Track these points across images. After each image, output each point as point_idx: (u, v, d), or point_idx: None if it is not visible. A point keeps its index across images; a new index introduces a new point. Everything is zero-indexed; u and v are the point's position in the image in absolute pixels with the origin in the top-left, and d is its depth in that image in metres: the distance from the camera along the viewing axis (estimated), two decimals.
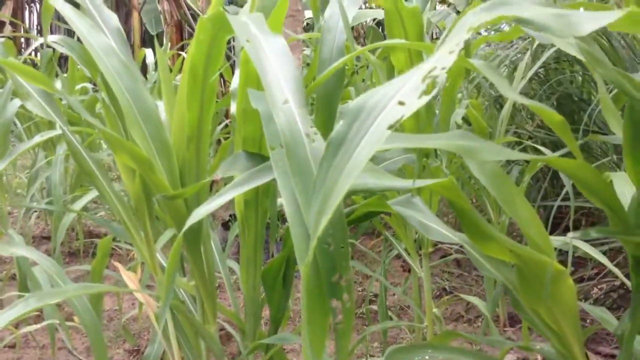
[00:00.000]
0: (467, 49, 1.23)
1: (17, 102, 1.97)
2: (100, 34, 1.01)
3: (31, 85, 1.09)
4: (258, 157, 0.88)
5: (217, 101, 1.40)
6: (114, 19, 1.10)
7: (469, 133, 0.67)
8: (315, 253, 0.48)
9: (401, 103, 0.46)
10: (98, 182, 1.06)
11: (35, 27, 11.13)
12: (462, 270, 2.58)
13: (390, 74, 1.57)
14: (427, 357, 0.99)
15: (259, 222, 1.00)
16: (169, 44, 5.67)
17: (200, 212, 0.64)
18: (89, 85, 3.29)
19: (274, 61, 0.58)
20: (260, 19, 0.66)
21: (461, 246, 2.42)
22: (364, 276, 2.59)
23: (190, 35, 6.31)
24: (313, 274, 0.48)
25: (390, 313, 2.09)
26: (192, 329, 1.08)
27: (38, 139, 1.56)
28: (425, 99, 0.44)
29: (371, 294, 2.25)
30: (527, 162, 1.83)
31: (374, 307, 2.09)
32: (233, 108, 1.04)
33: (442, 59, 0.46)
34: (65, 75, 2.69)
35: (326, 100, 1.03)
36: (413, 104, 0.45)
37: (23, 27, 9.98)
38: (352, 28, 1.62)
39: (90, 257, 2.58)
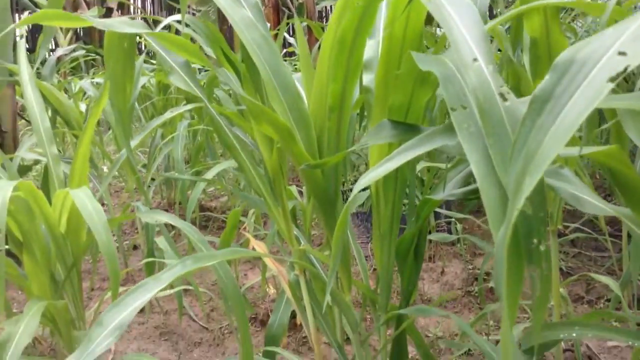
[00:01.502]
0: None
1: (140, 82, 2.08)
2: (241, 8, 1.04)
3: (173, 58, 1.13)
4: (404, 126, 0.86)
5: None
6: None
7: None
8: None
9: (622, 53, 0.42)
10: (238, 155, 1.09)
11: (138, 10, 11.75)
12: (578, 249, 2.46)
13: (516, 44, 1.50)
14: (574, 335, 0.94)
15: (397, 194, 0.99)
16: (268, 24, 5.74)
17: (371, 176, 0.64)
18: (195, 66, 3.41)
19: (458, 19, 0.56)
20: None
21: (581, 224, 2.26)
22: (472, 253, 2.53)
23: (288, 16, 6.38)
24: (511, 238, 0.46)
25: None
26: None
27: (169, 114, 1.64)
28: None
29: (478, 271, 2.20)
30: None
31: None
32: (369, 79, 1.03)
33: None
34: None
35: None
36: (638, 54, 0.41)
37: (132, 8, 10.59)
38: None
39: (205, 230, 2.70)
